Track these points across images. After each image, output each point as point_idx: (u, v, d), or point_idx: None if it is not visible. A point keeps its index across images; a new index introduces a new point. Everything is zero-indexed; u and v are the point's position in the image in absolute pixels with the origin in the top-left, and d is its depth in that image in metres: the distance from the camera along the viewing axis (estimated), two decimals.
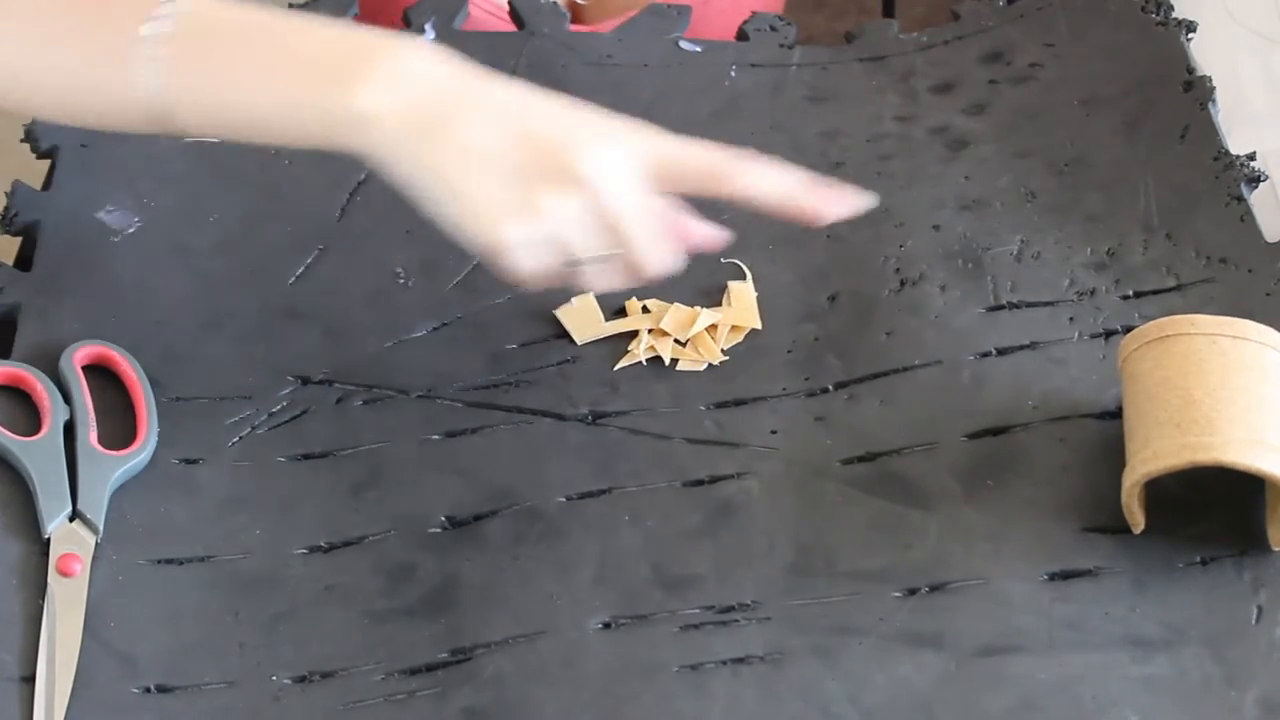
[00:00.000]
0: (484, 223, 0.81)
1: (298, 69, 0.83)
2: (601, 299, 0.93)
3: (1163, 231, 0.97)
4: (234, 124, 0.85)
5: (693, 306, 0.93)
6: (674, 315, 0.92)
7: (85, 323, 0.91)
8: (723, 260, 0.95)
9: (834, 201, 0.85)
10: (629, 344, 0.92)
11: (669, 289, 0.94)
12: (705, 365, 0.91)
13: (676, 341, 0.92)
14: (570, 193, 0.81)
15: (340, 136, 0.82)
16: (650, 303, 0.93)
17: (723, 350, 0.92)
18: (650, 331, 0.92)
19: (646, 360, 0.91)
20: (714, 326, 0.92)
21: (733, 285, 0.94)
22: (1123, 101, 1.04)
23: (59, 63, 0.85)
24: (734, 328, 0.92)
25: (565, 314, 0.93)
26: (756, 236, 0.97)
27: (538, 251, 0.82)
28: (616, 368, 0.91)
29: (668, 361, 0.91)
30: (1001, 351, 0.91)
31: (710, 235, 0.86)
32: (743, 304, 0.93)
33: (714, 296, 0.94)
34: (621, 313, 0.93)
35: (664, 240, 0.83)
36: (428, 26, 1.07)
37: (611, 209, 0.81)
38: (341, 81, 0.81)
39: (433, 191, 0.82)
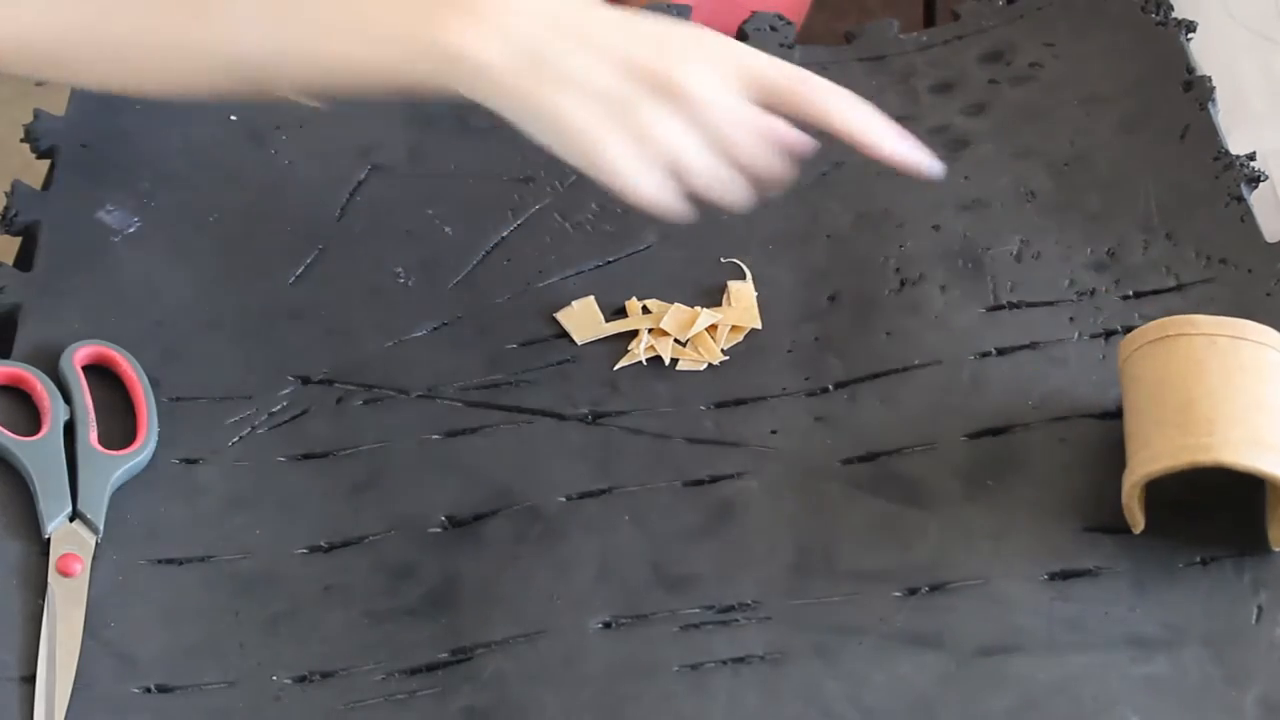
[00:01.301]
0: (591, 153, 0.82)
1: (389, 6, 0.82)
2: (601, 300, 0.93)
3: (1163, 231, 0.97)
4: (326, 74, 0.84)
5: (693, 307, 0.93)
6: (674, 315, 0.92)
7: (85, 323, 0.91)
8: (723, 260, 0.95)
9: (901, 144, 0.87)
10: (629, 344, 0.92)
11: (669, 288, 0.94)
12: (705, 365, 0.91)
13: (677, 341, 0.92)
14: (673, 111, 0.82)
15: (435, 75, 0.82)
16: (650, 303, 0.93)
17: (723, 350, 0.91)
18: (650, 331, 0.92)
19: (646, 360, 0.91)
20: (714, 326, 0.92)
21: (733, 285, 0.94)
22: (1123, 101, 1.04)
23: (133, 22, 0.85)
24: (734, 328, 0.92)
25: (566, 316, 0.93)
26: (756, 236, 0.97)
27: (653, 174, 0.83)
28: (616, 367, 0.91)
29: (668, 361, 0.91)
30: (1002, 351, 0.91)
31: (802, 139, 0.86)
32: (743, 304, 0.93)
33: (714, 296, 0.94)
34: (621, 313, 0.93)
35: (766, 145, 0.84)
36: None
37: (714, 120, 0.82)
38: (435, 17, 0.81)
39: (535, 127, 0.82)
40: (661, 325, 0.92)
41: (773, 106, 0.85)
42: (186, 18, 0.85)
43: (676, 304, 0.93)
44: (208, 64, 0.86)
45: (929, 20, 1.60)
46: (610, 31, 0.84)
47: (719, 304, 0.94)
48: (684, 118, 0.83)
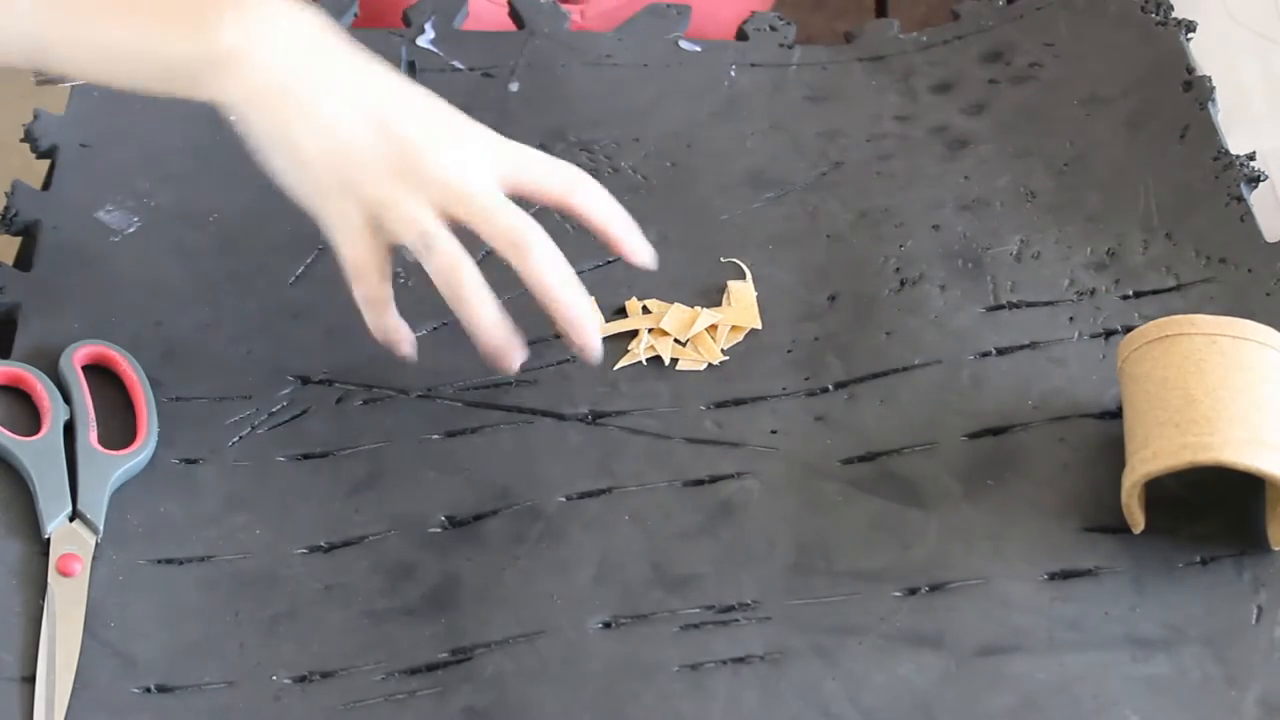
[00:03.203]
0: (327, 204, 0.82)
1: (158, 4, 0.82)
2: (601, 300, 0.93)
3: (1162, 231, 0.97)
4: (95, 64, 0.84)
5: (693, 307, 0.93)
6: (674, 315, 0.92)
7: (85, 323, 0.91)
8: (723, 260, 0.95)
9: (640, 246, 0.86)
10: (629, 344, 0.92)
11: (669, 288, 0.94)
12: (705, 365, 0.91)
13: (677, 341, 0.92)
14: (416, 187, 0.81)
15: (196, 81, 0.81)
16: (650, 303, 0.93)
17: (722, 350, 0.91)
18: (650, 331, 0.92)
19: (646, 360, 0.91)
20: (714, 326, 0.92)
21: (733, 285, 0.94)
22: (1122, 101, 1.04)
23: None
24: (734, 328, 0.92)
25: None
26: (756, 236, 0.97)
27: (370, 242, 0.82)
28: (616, 367, 0.91)
29: (667, 361, 0.91)
30: (1001, 351, 0.91)
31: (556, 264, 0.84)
32: (743, 304, 0.93)
33: (713, 296, 0.94)
34: (622, 313, 0.93)
35: (532, 238, 0.83)
36: (428, 26, 1.07)
37: (464, 211, 0.82)
38: (204, 21, 0.81)
39: (280, 158, 0.82)
40: (661, 325, 0.92)
41: (532, 198, 0.85)
42: None
43: (676, 304, 0.93)
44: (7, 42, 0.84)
45: (881, 9, 1.64)
46: (379, 91, 0.83)
47: (719, 304, 0.94)
48: (426, 196, 0.82)
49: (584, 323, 0.83)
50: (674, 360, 0.91)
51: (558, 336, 0.92)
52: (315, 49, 0.82)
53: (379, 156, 0.81)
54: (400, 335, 0.85)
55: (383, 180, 0.81)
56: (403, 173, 0.81)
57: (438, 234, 0.81)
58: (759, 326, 0.93)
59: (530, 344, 0.92)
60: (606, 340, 0.91)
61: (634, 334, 0.92)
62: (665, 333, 0.92)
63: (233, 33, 0.80)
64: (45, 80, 0.91)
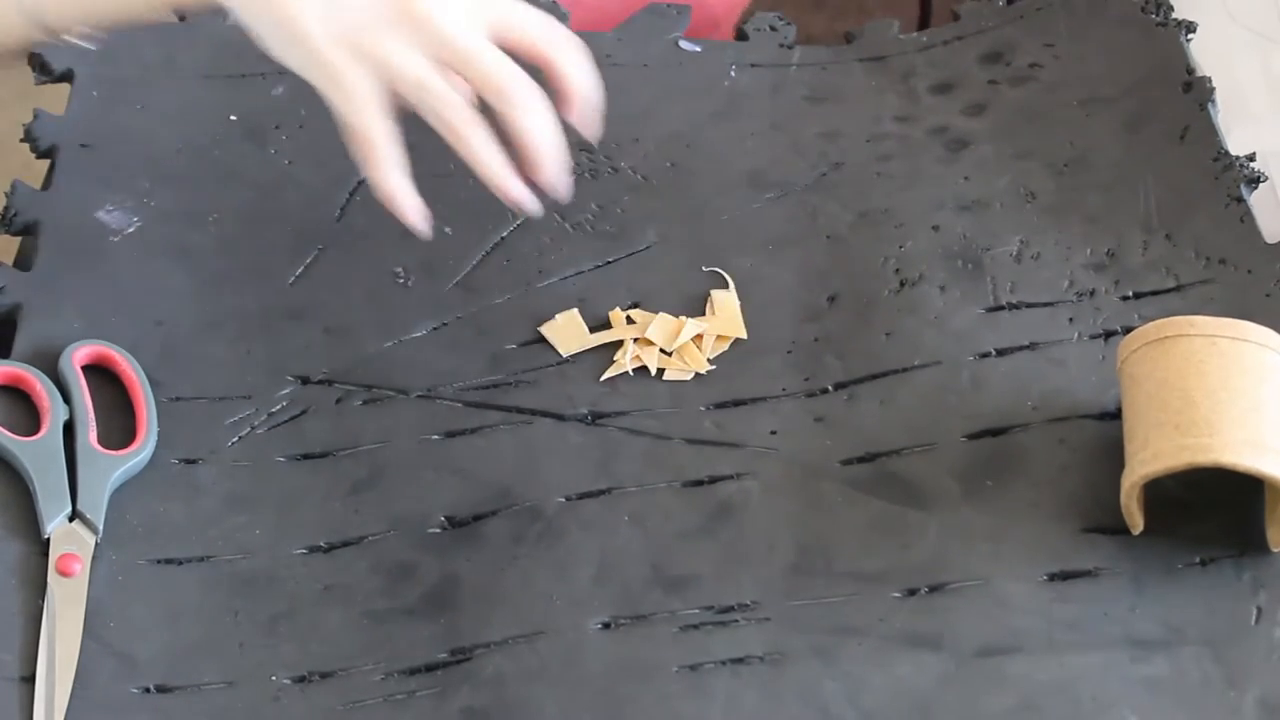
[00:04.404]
0: (337, 76, 0.83)
1: None
2: (602, 300, 0.93)
3: (1162, 232, 0.97)
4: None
5: (694, 308, 0.93)
6: (660, 325, 0.91)
7: (85, 323, 0.91)
8: (704, 269, 0.95)
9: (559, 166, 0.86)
10: (615, 354, 0.91)
11: (668, 289, 0.94)
12: (692, 375, 0.90)
13: (663, 351, 0.91)
14: (415, 40, 0.82)
15: None
16: (634, 313, 0.93)
17: (712, 359, 0.91)
18: (636, 341, 0.91)
19: (633, 371, 0.91)
20: (700, 336, 0.91)
21: (715, 294, 0.94)
22: (1122, 102, 1.04)
23: None
24: (719, 337, 0.92)
25: (550, 329, 0.92)
26: (756, 237, 0.97)
27: (379, 107, 0.83)
28: (602, 378, 0.90)
29: (654, 372, 0.90)
30: (1001, 352, 0.91)
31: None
32: (727, 313, 0.92)
33: (696, 304, 0.93)
34: (607, 324, 0.93)
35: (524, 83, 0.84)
36: None
37: (453, 56, 0.83)
38: None
39: (284, 41, 0.83)
40: (648, 335, 0.91)
41: (516, 53, 0.85)
42: None
43: (662, 313, 0.92)
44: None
45: (924, 22, 1.60)
46: None
47: (703, 313, 0.93)
48: (418, 44, 0.83)
49: (555, 168, 0.85)
50: (660, 370, 0.91)
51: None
52: None
53: (371, 10, 0.82)
54: (407, 202, 0.85)
55: (379, 34, 0.82)
56: (394, 23, 0.82)
57: (430, 77, 0.83)
58: (744, 336, 0.92)
59: (529, 344, 0.92)
60: (593, 351, 0.91)
61: (621, 344, 0.92)
62: (651, 342, 0.91)
63: None
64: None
